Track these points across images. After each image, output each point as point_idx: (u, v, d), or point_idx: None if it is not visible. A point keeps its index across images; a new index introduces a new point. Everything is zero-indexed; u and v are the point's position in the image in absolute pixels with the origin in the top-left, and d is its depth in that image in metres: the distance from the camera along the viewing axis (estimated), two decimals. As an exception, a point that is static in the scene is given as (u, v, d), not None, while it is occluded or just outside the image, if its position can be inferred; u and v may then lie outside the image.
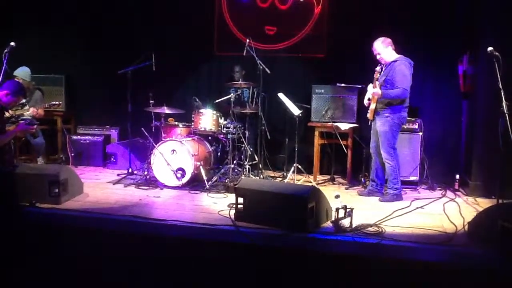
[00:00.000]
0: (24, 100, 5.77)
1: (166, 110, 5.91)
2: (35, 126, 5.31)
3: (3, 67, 4.53)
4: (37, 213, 4.37)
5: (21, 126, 4.37)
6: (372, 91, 5.08)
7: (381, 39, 5.15)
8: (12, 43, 4.76)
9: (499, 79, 4.08)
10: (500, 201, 4.20)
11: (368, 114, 5.31)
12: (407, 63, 5.05)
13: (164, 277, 3.98)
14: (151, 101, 5.96)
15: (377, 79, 5.05)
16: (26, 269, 3.93)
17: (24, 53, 5.77)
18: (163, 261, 3.99)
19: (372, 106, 5.18)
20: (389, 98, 5.04)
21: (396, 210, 4.66)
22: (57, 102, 6.15)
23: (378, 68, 5.10)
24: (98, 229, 4.20)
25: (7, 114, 4.48)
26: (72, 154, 6.88)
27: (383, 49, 5.13)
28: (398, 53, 5.17)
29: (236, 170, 5.88)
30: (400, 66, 5.03)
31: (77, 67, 7.40)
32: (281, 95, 6.00)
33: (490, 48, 4.15)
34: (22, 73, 6.23)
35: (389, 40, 5.14)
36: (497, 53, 4.11)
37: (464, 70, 6.07)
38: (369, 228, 4.06)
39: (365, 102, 5.36)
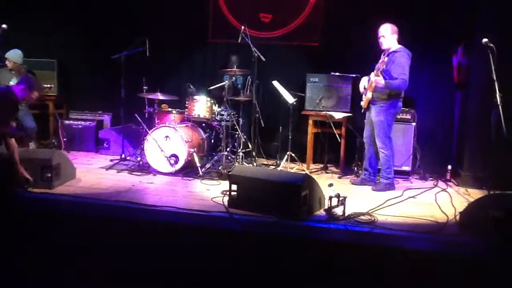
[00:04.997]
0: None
1: (160, 96, 5.88)
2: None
3: (-5, 50, 4.49)
4: (29, 198, 4.36)
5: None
6: (374, 78, 5.00)
7: (390, 24, 5.09)
8: (4, 26, 4.69)
9: (493, 71, 4.09)
10: (491, 192, 4.24)
11: (362, 102, 5.30)
12: (407, 55, 5.03)
13: (156, 263, 3.98)
14: (144, 87, 5.91)
15: (379, 68, 5.01)
16: (19, 255, 3.92)
17: (17, 36, 5.69)
18: (156, 247, 3.99)
19: (368, 95, 5.16)
20: (390, 88, 5.00)
21: (389, 199, 4.69)
22: (48, 85, 6.07)
23: (386, 59, 5.01)
24: (91, 214, 4.19)
25: None
26: (64, 139, 6.82)
27: (389, 34, 5.07)
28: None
29: (229, 158, 5.88)
30: (401, 58, 4.99)
31: (70, 51, 7.29)
32: (275, 83, 5.99)
33: (485, 40, 4.14)
34: (14, 55, 6.14)
35: (396, 29, 5.10)
36: (491, 45, 4.11)
37: (458, 61, 6.08)
38: (362, 217, 4.09)
39: (361, 89, 5.35)
